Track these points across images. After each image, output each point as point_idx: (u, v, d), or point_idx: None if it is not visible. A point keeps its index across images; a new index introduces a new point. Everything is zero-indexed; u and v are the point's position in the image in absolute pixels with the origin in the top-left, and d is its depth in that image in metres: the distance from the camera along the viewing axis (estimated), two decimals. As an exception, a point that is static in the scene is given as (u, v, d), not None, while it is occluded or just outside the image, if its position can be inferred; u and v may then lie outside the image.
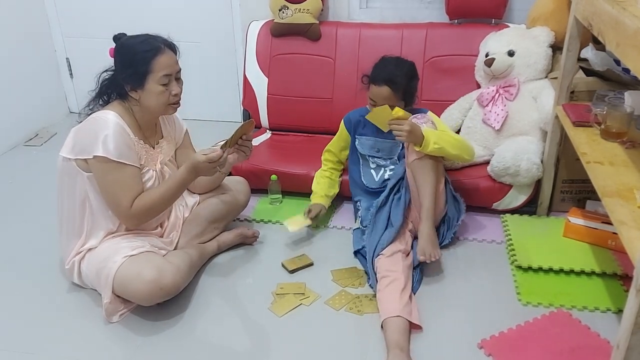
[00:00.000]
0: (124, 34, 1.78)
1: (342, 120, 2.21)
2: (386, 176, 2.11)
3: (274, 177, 2.33)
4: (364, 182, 2.14)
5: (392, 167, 2.11)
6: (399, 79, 1.94)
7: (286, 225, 2.06)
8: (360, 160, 2.17)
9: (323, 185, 2.20)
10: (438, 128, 1.96)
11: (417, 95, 2.05)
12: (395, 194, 2.00)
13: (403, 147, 2.07)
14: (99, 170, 1.69)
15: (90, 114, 1.77)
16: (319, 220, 2.17)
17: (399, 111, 1.87)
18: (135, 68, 1.70)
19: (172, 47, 1.77)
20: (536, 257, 1.92)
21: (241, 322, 1.74)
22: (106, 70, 1.79)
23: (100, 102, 1.80)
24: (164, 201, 1.78)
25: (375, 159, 2.13)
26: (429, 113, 2.06)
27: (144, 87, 1.71)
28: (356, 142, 2.15)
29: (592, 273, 1.86)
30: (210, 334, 1.69)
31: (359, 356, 1.60)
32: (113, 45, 1.76)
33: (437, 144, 1.85)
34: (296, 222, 2.08)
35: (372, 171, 2.14)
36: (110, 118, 1.70)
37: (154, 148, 1.86)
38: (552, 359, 1.55)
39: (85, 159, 1.69)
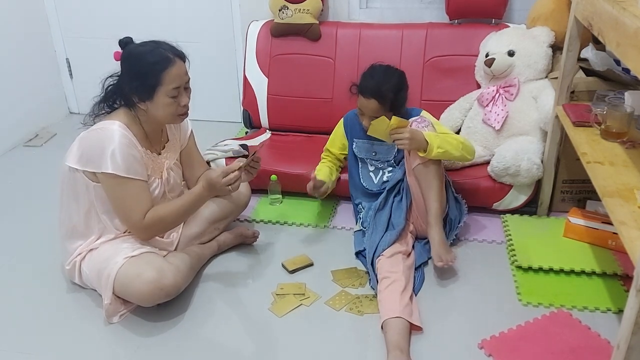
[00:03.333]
0: (130, 39, 1.74)
1: (342, 120, 2.20)
2: (385, 178, 2.10)
3: (273, 177, 2.33)
4: (364, 184, 2.14)
5: (390, 169, 2.11)
6: (387, 92, 1.92)
7: (285, 266, 1.98)
8: (359, 163, 2.16)
9: (324, 171, 2.16)
10: (437, 129, 1.96)
11: (406, 104, 2.04)
12: (395, 196, 2.00)
13: (399, 150, 2.08)
14: (108, 185, 1.69)
15: (95, 117, 1.75)
16: (323, 192, 2.09)
17: (395, 120, 1.85)
18: (144, 81, 1.67)
19: (182, 57, 1.73)
20: (536, 257, 1.92)
21: (241, 323, 1.74)
22: (111, 76, 1.76)
23: (106, 109, 1.77)
24: (177, 216, 1.78)
25: (373, 161, 2.13)
26: (423, 112, 2.06)
27: (152, 99, 1.69)
28: (353, 146, 2.15)
29: (593, 273, 1.86)
30: (210, 334, 1.69)
31: (359, 356, 1.59)
32: (115, 46, 1.73)
33: (441, 147, 1.84)
34: (295, 262, 1.99)
35: (371, 174, 2.13)
36: (115, 129, 1.67)
37: (160, 154, 1.85)
38: (552, 359, 1.55)
39: (93, 172, 1.68)
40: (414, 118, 1.95)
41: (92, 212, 1.77)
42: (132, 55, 1.70)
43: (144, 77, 1.67)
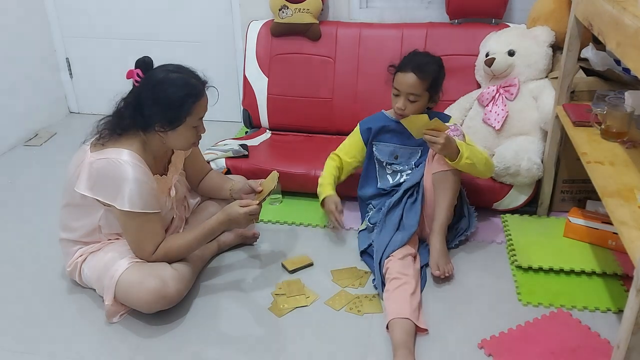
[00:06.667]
0: (150, 60, 1.67)
1: (358, 128, 2.14)
2: (402, 180, 2.07)
3: (273, 177, 2.32)
4: (379, 185, 2.10)
5: (408, 171, 2.07)
6: (427, 67, 1.90)
7: (285, 266, 1.97)
8: (377, 167, 2.12)
9: (329, 171, 2.11)
10: (466, 139, 1.94)
11: (441, 94, 2.01)
12: (409, 197, 1.96)
13: (421, 154, 2.06)
14: (121, 217, 1.65)
15: (101, 137, 1.66)
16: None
17: (436, 121, 1.81)
18: (174, 112, 1.62)
19: (206, 86, 1.71)
20: (536, 257, 1.92)
21: (241, 323, 1.73)
22: (125, 97, 1.68)
23: (118, 131, 1.66)
24: (188, 250, 1.76)
25: (394, 165, 2.09)
26: (452, 119, 2.03)
27: (175, 129, 1.66)
28: (374, 149, 2.10)
29: (593, 273, 1.86)
30: (209, 334, 1.69)
31: (358, 356, 1.59)
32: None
33: (470, 159, 1.83)
34: (295, 262, 1.99)
35: (389, 176, 2.10)
36: (126, 161, 1.60)
37: (166, 175, 1.82)
38: (552, 359, 1.55)
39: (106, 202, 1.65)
40: (448, 124, 1.91)
41: (96, 231, 1.76)
42: (161, 82, 1.62)
43: (173, 108, 1.62)
